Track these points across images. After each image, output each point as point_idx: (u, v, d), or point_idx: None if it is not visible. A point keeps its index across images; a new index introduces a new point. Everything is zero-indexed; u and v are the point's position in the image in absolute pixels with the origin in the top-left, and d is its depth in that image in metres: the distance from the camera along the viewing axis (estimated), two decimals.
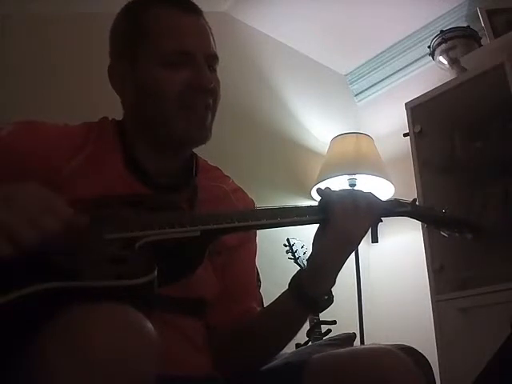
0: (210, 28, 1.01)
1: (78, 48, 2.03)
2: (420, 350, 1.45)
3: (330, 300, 0.94)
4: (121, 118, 1.02)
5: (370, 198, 0.95)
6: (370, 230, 0.96)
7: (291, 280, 0.94)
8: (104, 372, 0.56)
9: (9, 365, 0.61)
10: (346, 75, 3.20)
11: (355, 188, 2.47)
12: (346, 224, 0.90)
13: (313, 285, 0.91)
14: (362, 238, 0.93)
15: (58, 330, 0.58)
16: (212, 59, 0.98)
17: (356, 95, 3.20)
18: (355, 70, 3.15)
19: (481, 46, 2.34)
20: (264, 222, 0.87)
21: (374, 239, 0.99)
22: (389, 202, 1.01)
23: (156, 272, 0.68)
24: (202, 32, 0.97)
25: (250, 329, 0.97)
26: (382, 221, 0.98)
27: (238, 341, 0.98)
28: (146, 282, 0.67)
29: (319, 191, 0.95)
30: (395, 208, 1.00)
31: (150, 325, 0.61)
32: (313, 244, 0.94)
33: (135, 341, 0.59)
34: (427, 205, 1.07)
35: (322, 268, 0.92)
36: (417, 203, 1.02)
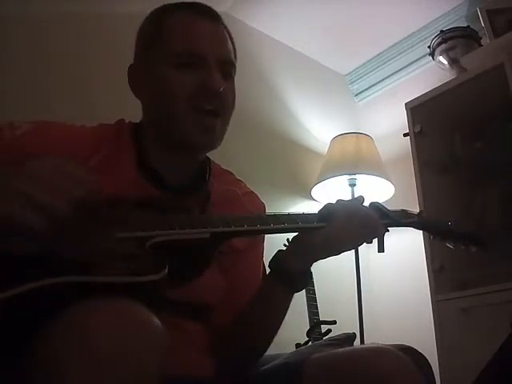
0: (230, 35, 1.00)
1: (77, 48, 2.03)
2: (420, 350, 1.45)
3: (308, 277, 0.95)
4: (130, 120, 1.03)
5: (369, 216, 0.95)
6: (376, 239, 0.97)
7: (270, 260, 0.95)
8: (110, 367, 0.56)
9: (15, 362, 0.61)
10: (346, 75, 3.20)
11: (355, 188, 2.47)
12: (337, 234, 0.91)
13: (290, 261, 0.93)
14: (351, 249, 0.95)
15: (63, 326, 0.58)
16: (226, 65, 0.97)
17: (356, 95, 3.20)
18: (355, 70, 3.15)
19: (481, 46, 2.34)
20: (272, 226, 0.88)
21: (381, 249, 1.00)
22: (396, 212, 1.02)
23: (167, 270, 0.68)
24: (216, 36, 0.97)
25: (242, 318, 0.98)
26: (388, 231, 0.99)
27: (235, 336, 0.98)
28: (156, 280, 0.67)
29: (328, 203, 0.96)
30: (402, 219, 1.01)
31: (157, 321, 0.61)
32: (302, 232, 0.95)
33: (142, 336, 0.59)
34: (433, 217, 1.08)
35: (301, 254, 0.93)
36: (423, 215, 1.03)
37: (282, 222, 0.88)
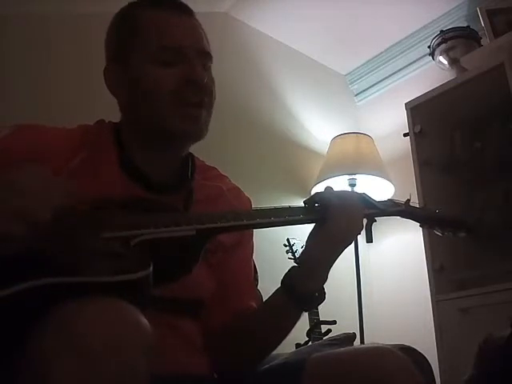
0: (202, 28, 1.01)
1: (77, 48, 2.03)
2: (420, 350, 1.45)
3: (322, 297, 0.94)
4: (118, 120, 1.02)
5: (363, 199, 0.97)
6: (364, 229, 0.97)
7: (283, 277, 0.94)
8: (97, 366, 0.56)
9: (7, 362, 0.61)
10: (346, 75, 3.20)
11: (355, 188, 2.47)
12: (341, 224, 0.91)
13: (304, 282, 0.92)
14: (356, 237, 0.95)
15: (51, 325, 0.58)
16: (204, 56, 0.98)
17: (356, 95, 3.20)
18: (355, 70, 3.15)
19: (481, 46, 2.35)
20: (258, 221, 0.88)
21: (369, 239, 1.00)
22: (383, 201, 1.02)
23: (151, 267, 0.69)
24: (192, 30, 0.98)
25: (247, 327, 0.98)
26: (375, 221, 0.99)
27: (236, 339, 0.98)
28: (141, 277, 0.68)
29: (316, 193, 0.96)
30: (389, 208, 1.01)
31: (143, 318, 0.62)
32: (307, 242, 0.95)
33: (129, 335, 0.59)
34: (420, 205, 1.08)
35: (314, 266, 0.93)
36: (411, 203, 1.03)
37: (269, 216, 0.88)
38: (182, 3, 1.00)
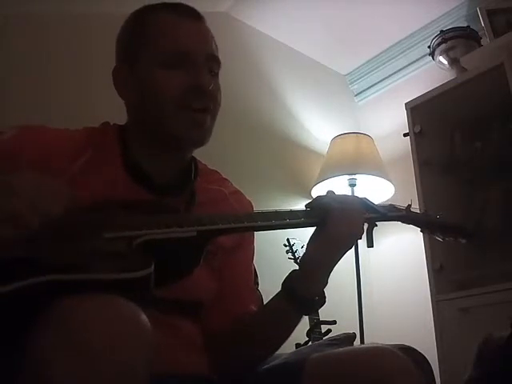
0: (211, 33, 1.01)
1: (77, 48, 2.03)
2: (420, 350, 1.45)
3: (322, 300, 0.95)
4: (123, 121, 1.03)
5: (363, 203, 0.97)
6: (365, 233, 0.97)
7: (284, 281, 0.95)
8: (97, 363, 0.56)
9: (7, 362, 0.61)
10: (346, 75, 3.20)
11: (355, 188, 2.47)
12: (341, 228, 0.91)
13: (304, 286, 0.92)
14: (356, 241, 0.95)
15: (50, 322, 0.58)
16: (212, 62, 0.98)
17: (356, 95, 3.20)
18: (355, 70, 3.15)
19: (481, 46, 2.35)
20: (259, 223, 0.88)
21: (370, 244, 1.00)
22: (384, 206, 1.02)
23: (153, 266, 0.69)
24: (201, 34, 0.98)
25: (247, 330, 0.98)
26: (376, 225, 0.99)
27: (235, 342, 0.98)
28: (143, 276, 0.68)
29: (318, 196, 0.96)
30: (390, 212, 1.01)
31: (144, 317, 0.62)
32: (307, 245, 0.96)
33: (129, 332, 0.59)
34: (422, 211, 1.08)
35: (314, 270, 0.93)
36: (412, 208, 1.03)
37: (269, 219, 0.89)
38: (192, 8, 1.00)
